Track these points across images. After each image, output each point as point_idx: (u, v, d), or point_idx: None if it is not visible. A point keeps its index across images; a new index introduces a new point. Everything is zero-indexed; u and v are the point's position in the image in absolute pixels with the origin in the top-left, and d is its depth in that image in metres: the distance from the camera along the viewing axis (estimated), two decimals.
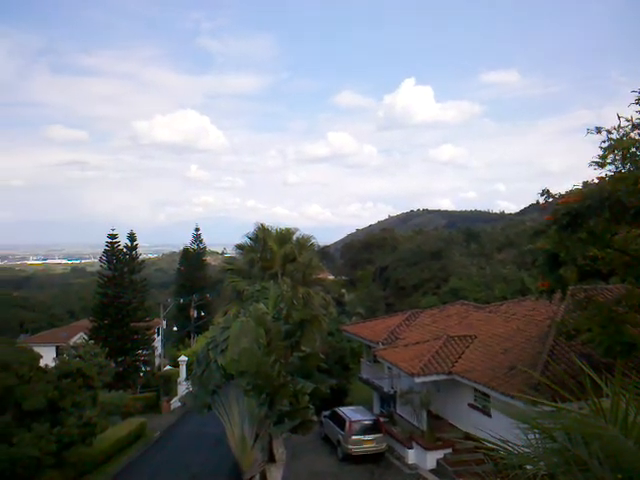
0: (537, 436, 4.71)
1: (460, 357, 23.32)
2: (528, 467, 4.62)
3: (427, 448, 22.60)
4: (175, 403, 40.75)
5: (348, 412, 25.48)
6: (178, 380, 43.75)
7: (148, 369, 49.67)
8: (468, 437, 20.71)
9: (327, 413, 26.85)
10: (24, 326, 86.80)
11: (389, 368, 27.32)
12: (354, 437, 23.63)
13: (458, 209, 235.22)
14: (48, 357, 29.46)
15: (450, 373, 22.51)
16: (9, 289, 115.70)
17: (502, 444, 4.85)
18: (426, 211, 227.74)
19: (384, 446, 23.96)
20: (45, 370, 23.08)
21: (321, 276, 33.36)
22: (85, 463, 24.09)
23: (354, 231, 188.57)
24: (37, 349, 25.08)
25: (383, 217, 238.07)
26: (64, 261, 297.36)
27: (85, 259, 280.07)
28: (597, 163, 14.11)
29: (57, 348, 47.59)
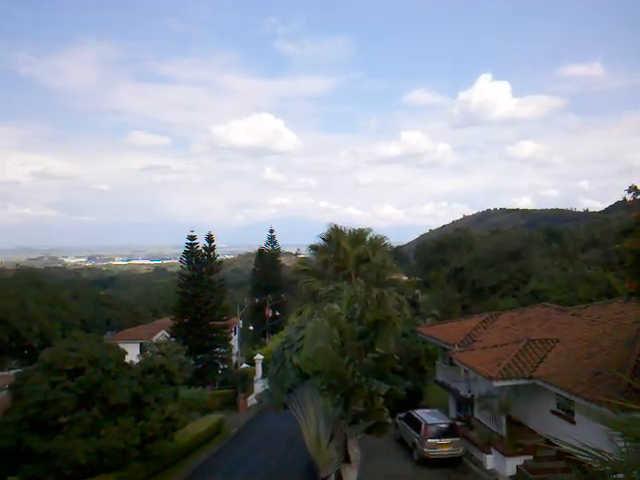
0: (628, 444, 4.46)
1: (541, 361, 22.47)
2: (619, 476, 4.38)
3: (506, 454, 21.93)
4: (251, 401, 41.59)
5: (424, 415, 25.14)
6: (254, 378, 44.65)
7: (225, 367, 50.89)
8: (550, 444, 19.94)
9: (402, 415, 26.62)
10: (110, 323, 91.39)
11: (466, 371, 26.73)
12: (430, 440, 23.28)
13: (538, 208, 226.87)
14: (132, 353, 30.77)
15: (531, 378, 21.73)
16: (97, 288, 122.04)
17: (593, 452, 4.60)
18: (503, 210, 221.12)
19: (461, 450, 23.46)
20: (130, 366, 24.13)
21: (395, 277, 33.08)
22: (167, 457, 25.02)
23: (428, 231, 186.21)
24: (122, 346, 26.13)
25: (458, 217, 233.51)
26: (147, 262, 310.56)
27: (166, 260, 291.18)
28: None
29: (141, 345, 49.69)
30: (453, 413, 29.96)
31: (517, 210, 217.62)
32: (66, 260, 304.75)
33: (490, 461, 22.90)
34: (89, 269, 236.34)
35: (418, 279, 75.74)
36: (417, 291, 64.75)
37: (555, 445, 18.78)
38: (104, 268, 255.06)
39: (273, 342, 53.35)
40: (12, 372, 42.45)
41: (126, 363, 24.12)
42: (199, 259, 51.41)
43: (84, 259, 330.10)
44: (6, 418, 21.46)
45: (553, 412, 21.55)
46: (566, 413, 20.69)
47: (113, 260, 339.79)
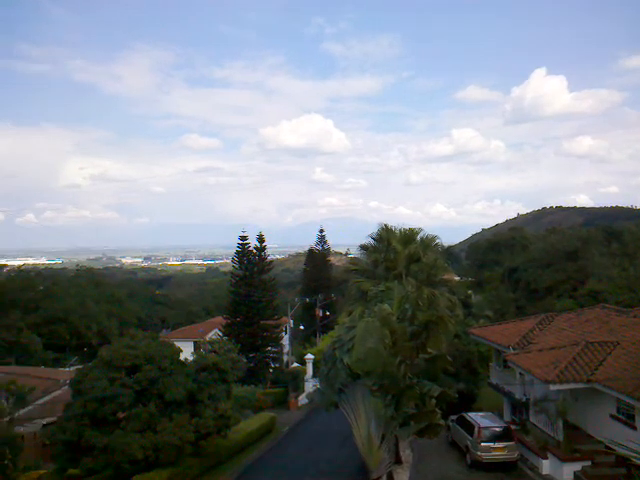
0: None
1: (601, 364, 21.69)
2: None
3: (563, 459, 21.28)
4: (302, 400, 41.85)
5: (477, 418, 24.68)
6: (305, 377, 44.93)
7: (277, 366, 51.38)
8: (609, 449, 19.24)
9: (455, 418, 26.23)
10: (165, 322, 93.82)
11: (521, 374, 26.10)
12: (484, 444, 22.84)
13: (597, 205, 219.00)
14: (187, 351, 31.40)
15: (589, 381, 21.01)
16: (152, 288, 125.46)
17: None
18: (560, 208, 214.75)
19: (516, 455, 22.91)
20: (185, 364, 24.66)
21: (446, 277, 32.48)
22: (220, 453, 25.46)
23: (480, 230, 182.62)
24: (177, 344, 26.67)
25: (512, 215, 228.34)
26: (200, 262, 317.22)
27: (218, 260, 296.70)
28: None
29: (194, 343, 50.81)
30: (507, 416, 29.31)
31: (574, 208, 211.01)
32: (123, 260, 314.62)
33: (546, 466, 22.28)
34: (145, 269, 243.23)
35: (470, 279, 74.47)
36: (469, 292, 63.69)
37: (615, 451, 18.13)
38: (159, 268, 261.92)
39: (323, 342, 53.54)
40: (73, 368, 44.17)
41: (181, 361, 24.65)
42: (250, 259, 52.08)
43: (140, 259, 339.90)
44: (67, 413, 22.33)
45: (613, 417, 20.80)
46: (627, 418, 19.93)
47: (167, 260, 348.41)
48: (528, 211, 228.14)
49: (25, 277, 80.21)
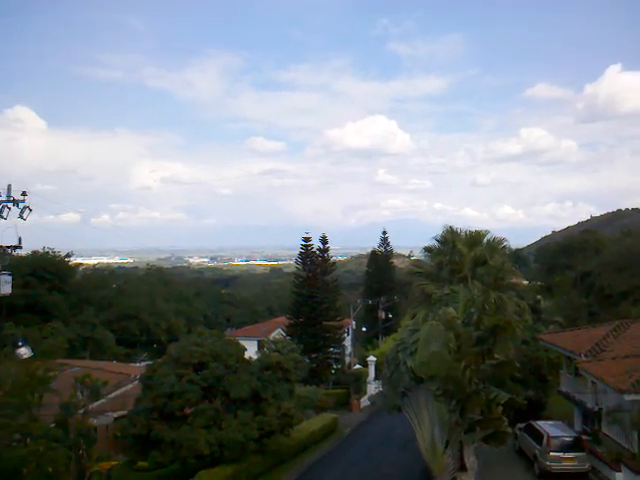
0: None
1: None
2: None
3: (639, 472, 20.26)
4: (364, 402, 41.72)
5: (546, 426, 23.89)
6: (367, 379, 44.77)
7: (339, 367, 51.48)
8: None
9: (522, 426, 25.50)
10: (230, 320, 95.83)
11: (593, 383, 25.02)
12: (553, 453, 22.06)
13: None
14: (251, 350, 31.94)
15: None
16: (218, 287, 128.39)
17: None
18: (636, 210, 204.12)
19: (587, 466, 22.00)
20: (249, 362, 25.09)
21: (514, 281, 31.64)
22: (283, 452, 25.70)
23: (550, 233, 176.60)
24: (242, 342, 27.22)
25: (584, 218, 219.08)
26: (264, 262, 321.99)
27: (282, 261, 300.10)
28: None
29: (258, 342, 51.57)
30: (578, 426, 28.17)
31: None
32: (191, 260, 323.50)
33: (620, 479, 21.28)
34: (211, 269, 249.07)
35: (540, 284, 72.05)
36: (539, 296, 61.64)
37: None
38: (224, 268, 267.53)
39: (386, 344, 53.19)
40: (143, 364, 45.83)
41: (245, 359, 25.10)
42: (313, 260, 52.44)
43: (206, 259, 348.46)
44: (137, 407, 23.16)
45: None
46: None
47: (233, 260, 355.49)
48: (602, 213, 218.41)
49: (99, 276, 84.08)
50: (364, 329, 72.83)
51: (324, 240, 53.75)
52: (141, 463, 23.94)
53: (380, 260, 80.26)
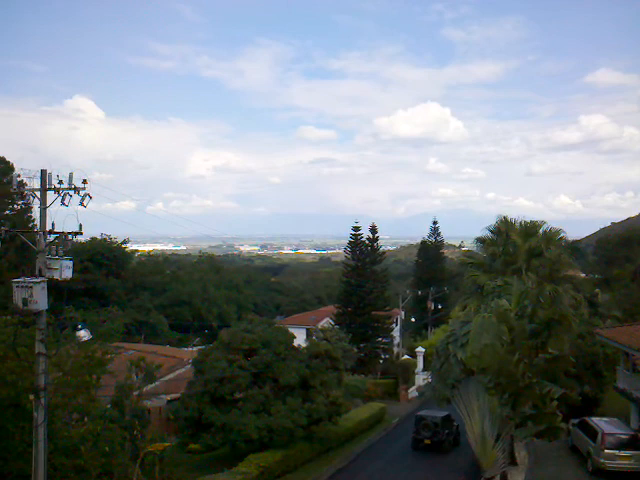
0: None
1: None
2: None
3: None
4: (412, 392, 41.49)
5: (601, 423, 23.17)
6: (415, 370, 44.49)
7: (387, 357, 51.30)
8: None
9: (576, 421, 24.81)
10: (279, 308, 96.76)
11: None
12: (608, 451, 21.37)
13: None
14: (300, 338, 32.18)
15: None
16: (268, 275, 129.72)
17: None
18: None
19: None
20: (298, 350, 25.35)
21: (571, 273, 30.61)
22: (331, 439, 25.91)
23: (609, 224, 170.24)
24: (291, 330, 27.51)
25: None
26: (313, 251, 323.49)
27: (330, 249, 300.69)
28: None
29: (307, 330, 51.91)
30: (635, 424, 27.17)
31: None
32: (241, 248, 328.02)
33: None
34: (261, 257, 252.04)
35: (598, 277, 69.64)
36: (597, 290, 59.64)
37: None
38: (274, 256, 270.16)
39: (435, 335, 52.62)
40: (195, 349, 46.86)
41: (294, 347, 25.36)
42: (363, 250, 52.27)
43: (256, 247, 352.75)
44: (189, 390, 23.74)
45: None
46: None
47: (282, 249, 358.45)
48: None
49: (154, 262, 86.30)
50: (413, 320, 72.22)
51: (373, 229, 53.46)
52: (193, 445, 24.57)
53: (430, 250, 79.22)
